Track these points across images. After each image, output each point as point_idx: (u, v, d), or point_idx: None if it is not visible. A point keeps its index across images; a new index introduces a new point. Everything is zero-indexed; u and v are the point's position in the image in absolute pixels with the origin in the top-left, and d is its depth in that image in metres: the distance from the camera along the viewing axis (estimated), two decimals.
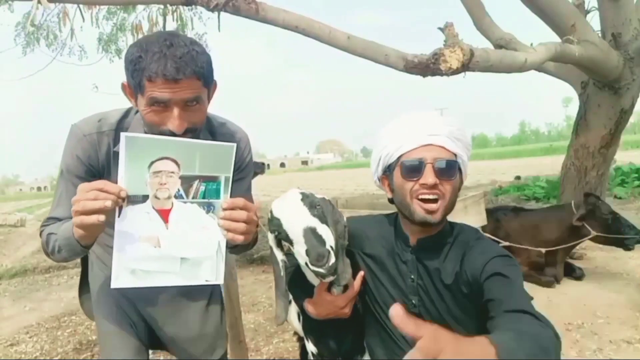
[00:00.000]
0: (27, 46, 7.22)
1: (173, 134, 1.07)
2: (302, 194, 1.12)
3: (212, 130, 1.32)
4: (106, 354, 1.35)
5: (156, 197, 1.04)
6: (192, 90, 1.05)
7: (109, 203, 0.96)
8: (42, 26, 7.21)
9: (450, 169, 1.11)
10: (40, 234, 1.20)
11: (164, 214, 1.06)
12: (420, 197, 1.11)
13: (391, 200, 1.22)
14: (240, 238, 1.08)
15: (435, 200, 1.10)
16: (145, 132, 1.15)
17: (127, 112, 1.25)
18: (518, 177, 12.14)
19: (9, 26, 7.06)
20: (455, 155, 1.13)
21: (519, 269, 1.08)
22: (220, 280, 1.14)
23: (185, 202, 1.07)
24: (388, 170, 1.19)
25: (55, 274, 5.98)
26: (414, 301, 1.18)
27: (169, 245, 1.07)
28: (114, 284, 1.04)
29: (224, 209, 1.08)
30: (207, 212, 1.09)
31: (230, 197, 1.10)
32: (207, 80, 1.10)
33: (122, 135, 1.01)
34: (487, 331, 1.05)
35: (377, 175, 1.24)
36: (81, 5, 6.06)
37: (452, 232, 1.20)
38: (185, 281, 1.10)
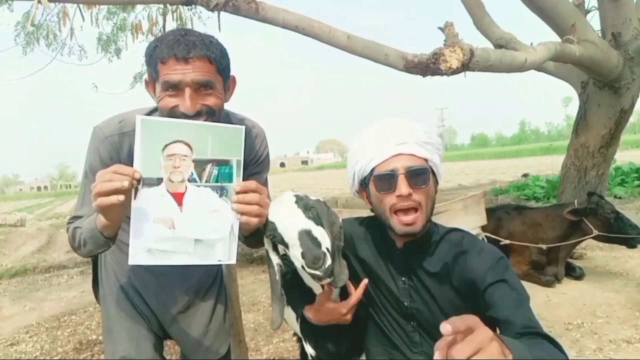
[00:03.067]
0: (27, 46, 7.22)
1: (186, 116, 1.09)
2: (296, 196, 1.11)
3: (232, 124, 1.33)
4: (118, 345, 1.36)
5: (170, 180, 1.06)
6: (203, 72, 1.09)
7: (126, 183, 0.98)
8: (42, 26, 7.20)
9: (422, 176, 1.11)
10: (67, 230, 1.24)
11: (178, 197, 1.08)
12: (398, 209, 1.11)
13: (372, 209, 1.23)
14: (254, 221, 1.08)
15: (413, 210, 1.11)
16: None
17: (149, 113, 1.26)
18: (525, 175, 12.13)
19: (9, 26, 7.07)
20: (427, 160, 1.14)
21: (513, 270, 1.10)
22: (232, 260, 1.14)
23: (198, 186, 1.08)
24: (364, 184, 1.20)
25: (55, 274, 5.98)
26: (405, 303, 1.19)
27: (182, 228, 1.08)
28: (132, 261, 1.05)
29: (237, 193, 1.08)
30: (220, 195, 1.10)
31: None
32: (220, 66, 1.12)
33: (138, 117, 1.03)
34: None
35: (355, 189, 1.25)
36: (81, 5, 6.06)
37: (438, 232, 1.22)
38: (200, 261, 1.12)
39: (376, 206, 1.17)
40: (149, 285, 1.39)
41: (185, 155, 1.06)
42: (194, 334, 1.44)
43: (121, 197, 0.98)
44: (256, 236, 1.19)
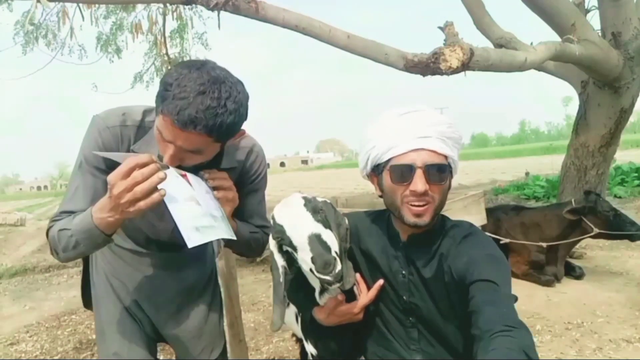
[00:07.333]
0: (27, 45, 7.21)
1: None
2: (305, 198, 1.09)
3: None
4: (110, 346, 1.35)
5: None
6: (194, 144, 1.02)
7: (162, 174, 0.94)
8: (41, 25, 7.20)
9: (440, 174, 1.09)
10: (48, 230, 1.14)
11: (185, 178, 1.09)
12: (409, 202, 1.10)
13: (380, 196, 1.21)
14: (230, 195, 1.17)
15: (425, 202, 1.09)
16: None
17: (151, 109, 1.23)
18: (527, 173, 12.17)
19: (8, 25, 7.06)
20: (446, 157, 1.11)
21: (507, 267, 1.07)
22: (234, 236, 1.14)
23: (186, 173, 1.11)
24: (377, 170, 1.17)
25: (55, 274, 5.98)
26: (404, 297, 1.18)
27: (204, 204, 1.07)
28: (190, 244, 0.98)
29: (207, 177, 1.14)
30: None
31: (245, 209, 1.17)
32: (221, 138, 1.06)
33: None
34: (468, 328, 1.01)
35: (366, 172, 1.23)
36: (81, 4, 6.06)
37: (444, 228, 1.19)
38: (227, 234, 1.11)
39: (387, 194, 1.15)
40: (141, 287, 1.38)
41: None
42: (188, 336, 1.43)
43: (163, 192, 0.94)
44: (250, 251, 1.24)
